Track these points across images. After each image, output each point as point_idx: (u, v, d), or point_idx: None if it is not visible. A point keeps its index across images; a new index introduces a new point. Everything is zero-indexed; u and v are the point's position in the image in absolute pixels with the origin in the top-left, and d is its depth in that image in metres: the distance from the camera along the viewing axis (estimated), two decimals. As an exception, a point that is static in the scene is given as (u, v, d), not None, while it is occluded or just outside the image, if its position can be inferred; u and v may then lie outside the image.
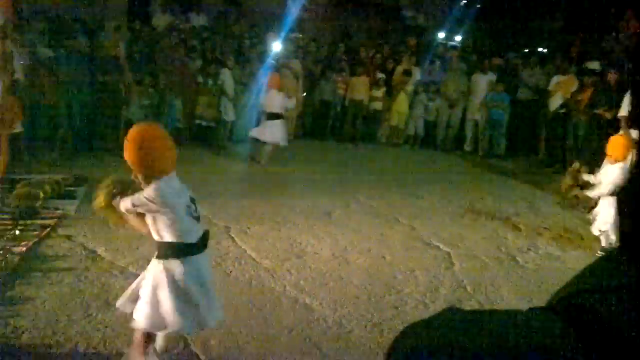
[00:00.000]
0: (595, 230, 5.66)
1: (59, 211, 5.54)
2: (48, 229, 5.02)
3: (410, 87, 11.15)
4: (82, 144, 8.23)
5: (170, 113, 9.09)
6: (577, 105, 9.23)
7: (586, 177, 5.79)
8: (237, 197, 6.59)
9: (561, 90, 9.91)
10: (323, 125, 11.19)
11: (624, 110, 7.29)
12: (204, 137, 9.64)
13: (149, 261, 4.54)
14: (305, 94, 10.87)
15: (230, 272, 4.55)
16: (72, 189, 6.33)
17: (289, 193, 7.12)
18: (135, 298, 2.83)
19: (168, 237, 2.75)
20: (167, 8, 11.60)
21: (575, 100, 9.36)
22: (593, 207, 5.77)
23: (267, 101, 8.57)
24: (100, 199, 2.87)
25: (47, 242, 4.81)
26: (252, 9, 14.01)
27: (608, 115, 7.64)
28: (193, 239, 2.81)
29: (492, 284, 4.78)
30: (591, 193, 5.69)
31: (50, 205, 5.66)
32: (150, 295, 2.74)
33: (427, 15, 17.75)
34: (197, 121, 9.50)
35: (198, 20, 11.95)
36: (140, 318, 2.75)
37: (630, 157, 5.17)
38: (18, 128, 6.80)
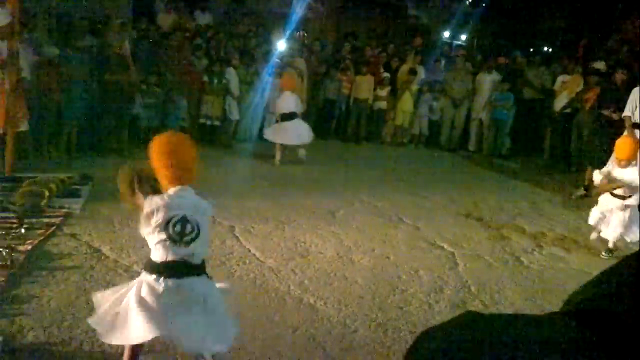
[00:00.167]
0: (595, 234, 5.66)
1: (64, 210, 5.56)
2: (53, 228, 5.04)
3: (414, 87, 11.13)
4: (87, 142, 8.25)
5: (175, 112, 9.11)
6: (583, 105, 9.20)
7: (618, 173, 5.39)
8: (241, 196, 6.60)
9: (566, 90, 9.88)
10: (327, 124, 11.19)
11: (627, 111, 7.26)
12: (209, 136, 9.65)
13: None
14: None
15: (235, 271, 4.56)
16: (77, 187, 6.34)
17: (293, 192, 7.12)
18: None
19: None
20: (172, 7, 11.60)
21: (580, 100, 9.32)
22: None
23: (281, 102, 8.63)
24: (122, 191, 2.87)
25: (52, 240, 4.83)
26: (257, 8, 14.00)
27: (615, 116, 7.60)
28: (158, 258, 2.71)
29: (496, 285, 4.77)
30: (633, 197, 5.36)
31: (55, 203, 5.68)
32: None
33: (432, 15, 17.72)
34: (202, 120, 9.51)
35: (203, 19, 11.94)
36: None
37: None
38: (24, 126, 6.83)
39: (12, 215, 5.22)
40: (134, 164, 3.01)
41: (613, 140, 7.52)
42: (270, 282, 4.40)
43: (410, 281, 4.68)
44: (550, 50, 14.64)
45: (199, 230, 2.70)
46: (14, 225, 4.97)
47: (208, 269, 2.91)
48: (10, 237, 4.72)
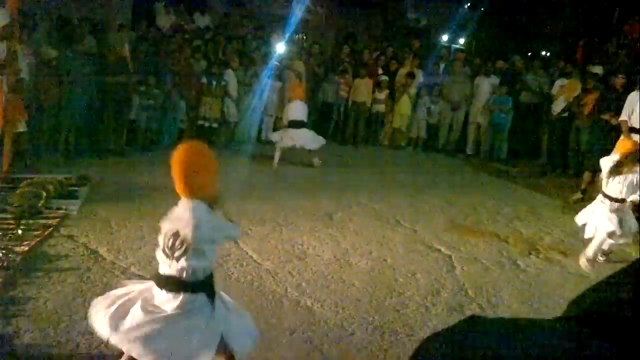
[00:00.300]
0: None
1: (61, 211, 5.56)
2: (50, 229, 5.04)
3: (413, 90, 11.14)
4: (85, 143, 8.24)
5: (174, 114, 9.11)
6: (581, 110, 9.21)
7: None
8: (239, 198, 6.59)
9: (564, 94, 9.88)
10: (325, 126, 11.20)
11: (624, 115, 7.27)
12: (207, 137, 9.64)
13: (150, 262, 4.58)
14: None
15: (232, 273, 4.56)
16: (75, 188, 6.34)
17: (291, 194, 7.12)
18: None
19: None
20: (171, 9, 11.61)
21: (578, 104, 9.34)
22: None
23: (291, 110, 8.77)
24: None
25: (50, 241, 4.83)
26: (256, 10, 14.04)
27: (614, 121, 7.60)
28: (159, 269, 2.71)
29: (493, 288, 4.78)
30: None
31: (52, 204, 5.68)
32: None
33: (431, 18, 17.77)
34: (200, 122, 9.52)
35: (202, 21, 11.96)
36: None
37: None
38: (22, 127, 6.83)
39: (9, 216, 5.21)
40: None
41: (612, 144, 7.55)
42: (267, 284, 4.40)
43: (407, 284, 4.68)
44: (549, 54, 14.65)
45: (187, 247, 2.56)
46: (11, 226, 4.96)
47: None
48: (7, 238, 4.71)
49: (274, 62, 10.44)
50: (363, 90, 10.97)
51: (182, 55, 9.45)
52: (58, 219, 5.32)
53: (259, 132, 10.46)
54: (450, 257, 5.40)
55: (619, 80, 8.35)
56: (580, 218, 5.63)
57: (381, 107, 11.16)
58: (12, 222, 5.07)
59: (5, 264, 4.18)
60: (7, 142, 6.42)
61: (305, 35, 14.06)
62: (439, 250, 5.55)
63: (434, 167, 10.07)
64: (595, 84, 9.12)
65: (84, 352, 3.24)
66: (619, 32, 11.75)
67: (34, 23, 8.41)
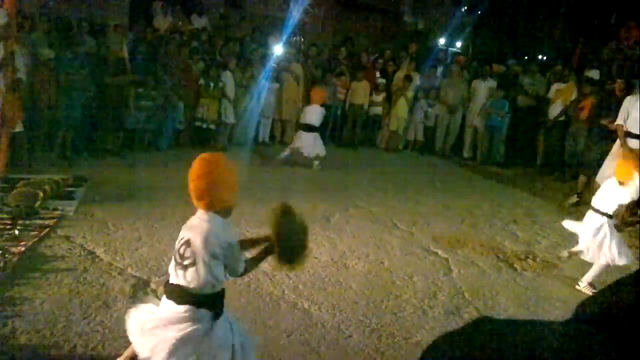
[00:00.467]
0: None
1: (58, 211, 5.54)
2: (47, 230, 5.02)
3: (410, 93, 11.17)
4: (82, 144, 8.22)
5: (172, 115, 9.10)
6: (577, 114, 9.25)
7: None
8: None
9: (561, 98, 9.93)
10: (323, 129, 11.19)
11: (620, 119, 7.29)
12: (204, 139, 9.64)
13: (147, 263, 4.57)
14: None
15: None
16: (72, 189, 6.33)
17: (288, 197, 7.09)
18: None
19: None
20: (169, 10, 11.59)
21: (575, 108, 9.37)
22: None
23: (308, 114, 8.94)
24: None
25: (46, 242, 4.81)
26: (254, 12, 14.04)
27: (612, 126, 7.61)
28: (169, 279, 2.64)
29: (490, 291, 4.79)
30: None
31: (49, 205, 5.66)
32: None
33: (428, 21, 17.81)
34: (198, 123, 9.51)
35: (200, 22, 11.95)
36: None
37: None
38: (18, 127, 6.81)
39: (5, 216, 5.20)
40: None
41: (607, 149, 7.58)
42: (264, 286, 4.40)
43: (404, 287, 4.69)
44: (546, 58, 14.71)
45: (196, 257, 2.51)
46: (8, 227, 4.94)
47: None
48: (3, 238, 4.70)
49: (271, 64, 10.44)
50: (360, 92, 10.99)
51: (180, 56, 9.45)
52: (55, 220, 5.30)
53: (256, 133, 10.46)
54: (447, 260, 5.41)
55: (619, 85, 8.36)
56: (569, 224, 5.49)
57: (378, 110, 11.19)
58: (8, 222, 5.05)
59: (1, 264, 4.17)
60: (3, 142, 6.41)
61: (302, 37, 14.07)
62: (436, 253, 5.56)
63: (430, 170, 10.09)
64: (592, 89, 9.16)
65: (81, 353, 3.23)
66: (616, 36, 11.79)
67: (32, 23, 8.39)
